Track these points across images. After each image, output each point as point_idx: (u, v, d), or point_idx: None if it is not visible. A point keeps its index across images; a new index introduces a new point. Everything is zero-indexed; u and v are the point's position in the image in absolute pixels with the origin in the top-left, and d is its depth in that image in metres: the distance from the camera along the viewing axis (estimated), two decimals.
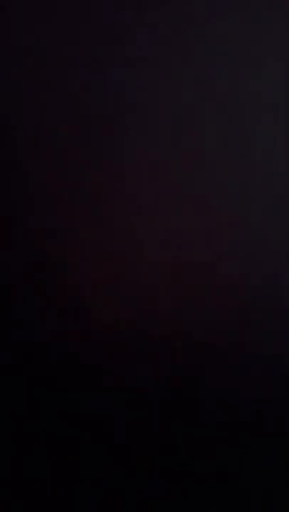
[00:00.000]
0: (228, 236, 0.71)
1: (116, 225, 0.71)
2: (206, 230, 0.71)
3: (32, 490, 0.71)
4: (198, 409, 0.70)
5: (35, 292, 0.71)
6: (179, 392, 0.70)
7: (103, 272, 0.71)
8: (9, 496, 0.71)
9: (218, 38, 0.72)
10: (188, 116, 0.72)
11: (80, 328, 0.71)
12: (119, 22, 0.72)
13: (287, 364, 0.70)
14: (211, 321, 0.71)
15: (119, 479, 0.71)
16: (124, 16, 0.72)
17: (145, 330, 0.71)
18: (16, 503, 0.71)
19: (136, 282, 0.71)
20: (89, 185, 0.72)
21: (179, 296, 0.71)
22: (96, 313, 0.71)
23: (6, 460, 0.71)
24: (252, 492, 0.70)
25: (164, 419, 0.70)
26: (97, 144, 0.72)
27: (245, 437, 0.70)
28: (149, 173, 0.71)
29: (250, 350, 0.70)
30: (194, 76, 0.72)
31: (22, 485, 0.71)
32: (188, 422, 0.70)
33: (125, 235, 0.71)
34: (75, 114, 0.72)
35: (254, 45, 0.71)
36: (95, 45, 0.72)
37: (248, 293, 0.71)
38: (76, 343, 0.71)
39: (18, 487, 0.71)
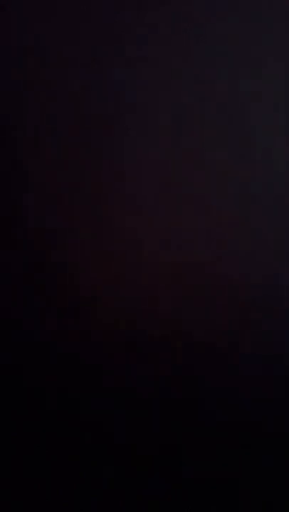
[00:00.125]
0: (228, 236, 0.71)
1: (116, 225, 0.71)
2: (206, 230, 0.71)
3: (32, 490, 0.71)
4: (198, 409, 0.70)
5: (35, 292, 0.71)
6: (179, 392, 0.70)
7: (103, 271, 0.71)
8: (9, 495, 0.71)
9: (218, 38, 0.72)
10: (188, 116, 0.72)
11: (80, 328, 0.71)
12: (119, 22, 0.72)
13: (287, 364, 0.70)
14: (211, 321, 0.71)
15: (119, 479, 0.71)
16: (124, 16, 0.72)
17: (145, 330, 0.71)
18: (16, 503, 0.71)
19: (136, 282, 0.71)
20: (89, 185, 0.72)
21: (179, 296, 0.71)
22: (96, 313, 0.71)
23: (6, 460, 0.71)
24: (252, 492, 0.70)
25: (164, 419, 0.70)
26: (97, 143, 0.72)
27: (245, 437, 0.70)
28: (149, 173, 0.71)
29: (250, 350, 0.70)
30: (194, 76, 0.72)
31: (22, 485, 0.71)
32: (188, 422, 0.70)
33: (125, 235, 0.71)
34: (75, 114, 0.72)
35: (254, 45, 0.71)
36: (95, 45, 0.72)
37: (248, 293, 0.71)
38: (76, 343, 0.71)
39: (18, 487, 0.71)
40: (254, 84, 0.71)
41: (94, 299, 0.71)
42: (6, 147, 0.72)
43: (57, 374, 0.71)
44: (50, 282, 0.71)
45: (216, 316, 0.71)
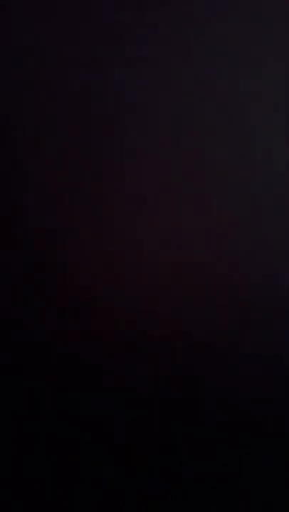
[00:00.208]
0: (228, 236, 0.71)
1: (116, 225, 0.71)
2: (206, 230, 0.71)
3: (32, 490, 0.71)
4: (198, 409, 0.70)
5: (35, 292, 0.71)
6: (179, 392, 0.70)
7: (103, 271, 0.71)
8: (9, 495, 0.71)
9: (218, 38, 0.72)
10: (188, 116, 0.72)
11: (80, 328, 0.71)
12: (119, 22, 0.72)
13: (287, 364, 0.70)
14: (211, 321, 0.71)
15: (119, 479, 0.71)
16: (124, 16, 0.72)
17: (145, 330, 0.71)
18: (16, 503, 0.71)
19: (136, 282, 0.71)
20: (89, 185, 0.72)
21: (179, 296, 0.71)
22: (96, 313, 0.71)
23: (6, 460, 0.71)
24: (252, 492, 0.70)
25: (164, 419, 0.70)
26: (97, 143, 0.72)
27: (245, 437, 0.70)
28: (149, 173, 0.71)
29: (250, 350, 0.70)
30: (194, 76, 0.72)
31: (22, 485, 0.71)
32: (188, 422, 0.70)
33: (125, 235, 0.71)
34: (75, 114, 0.72)
35: (254, 45, 0.71)
36: (95, 45, 0.72)
37: (248, 293, 0.71)
38: (76, 343, 0.71)
39: (18, 487, 0.71)
40: (254, 84, 0.71)
41: (94, 299, 0.71)
42: (6, 147, 0.72)
43: (57, 374, 0.71)
44: (50, 282, 0.71)
45: (216, 316, 0.71)
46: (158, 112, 0.72)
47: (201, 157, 0.71)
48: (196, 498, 0.70)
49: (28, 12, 0.73)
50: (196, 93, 0.72)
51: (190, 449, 0.70)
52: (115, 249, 0.71)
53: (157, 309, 0.71)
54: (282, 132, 0.71)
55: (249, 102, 0.71)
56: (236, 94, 0.71)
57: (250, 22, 0.72)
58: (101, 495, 0.71)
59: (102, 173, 0.72)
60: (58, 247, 0.71)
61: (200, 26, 0.72)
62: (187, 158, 0.71)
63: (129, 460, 0.71)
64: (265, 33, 0.71)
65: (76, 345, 0.71)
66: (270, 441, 0.70)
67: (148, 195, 0.71)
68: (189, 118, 0.71)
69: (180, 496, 0.71)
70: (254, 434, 0.70)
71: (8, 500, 0.71)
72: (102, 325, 0.71)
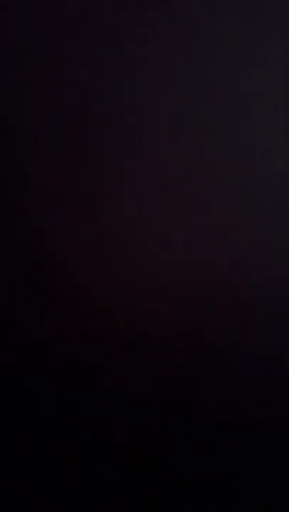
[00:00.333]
0: (228, 236, 0.71)
1: (116, 225, 0.71)
2: (206, 230, 0.71)
3: (32, 490, 0.71)
4: (198, 409, 0.70)
5: (35, 292, 0.71)
6: (179, 392, 0.70)
7: (103, 272, 0.71)
8: (9, 495, 0.71)
9: (218, 38, 0.72)
10: (188, 116, 0.72)
11: (80, 328, 0.71)
12: (119, 22, 0.72)
13: (287, 364, 0.70)
14: (211, 321, 0.71)
15: (119, 479, 0.71)
16: (124, 16, 0.72)
17: (145, 330, 0.71)
18: (16, 503, 0.71)
19: (136, 282, 0.71)
20: (89, 185, 0.72)
21: (179, 296, 0.71)
22: (96, 313, 0.71)
23: (6, 460, 0.71)
24: (252, 492, 0.70)
25: (164, 419, 0.70)
26: (97, 143, 0.72)
27: (245, 437, 0.70)
28: (149, 173, 0.71)
29: (250, 350, 0.70)
30: (194, 76, 0.72)
31: (22, 485, 0.71)
32: (188, 422, 0.70)
33: (125, 235, 0.71)
34: (75, 114, 0.72)
35: (254, 45, 0.71)
36: (95, 45, 0.72)
37: (248, 293, 0.71)
38: (76, 343, 0.71)
39: (18, 487, 0.71)
40: (254, 84, 0.71)
41: (94, 299, 0.71)
42: (6, 147, 0.72)
43: (57, 374, 0.71)
44: (50, 282, 0.71)
45: (216, 316, 0.71)
46: (158, 111, 0.72)
47: (201, 157, 0.71)
48: (196, 498, 0.70)
49: (28, 12, 0.73)
50: (196, 93, 0.72)
51: (190, 449, 0.70)
52: (115, 249, 0.71)
53: (157, 309, 0.71)
54: (282, 132, 0.71)
55: (249, 102, 0.71)
56: (236, 94, 0.71)
57: (250, 22, 0.72)
58: (101, 495, 0.71)
59: (102, 173, 0.72)
60: (58, 247, 0.71)
61: (200, 26, 0.72)
62: (187, 158, 0.71)
63: (129, 460, 0.71)
64: (265, 33, 0.71)
65: (76, 345, 0.71)
66: (270, 441, 0.70)
67: (148, 195, 0.71)
68: (189, 118, 0.71)
69: (180, 496, 0.71)
70: (254, 434, 0.70)
71: (8, 500, 0.71)
72: (102, 325, 0.71)
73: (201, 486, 0.70)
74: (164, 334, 0.71)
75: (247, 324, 0.71)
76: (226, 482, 0.70)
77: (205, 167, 0.71)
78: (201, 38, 0.72)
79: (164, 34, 0.72)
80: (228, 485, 0.70)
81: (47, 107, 0.72)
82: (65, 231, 0.71)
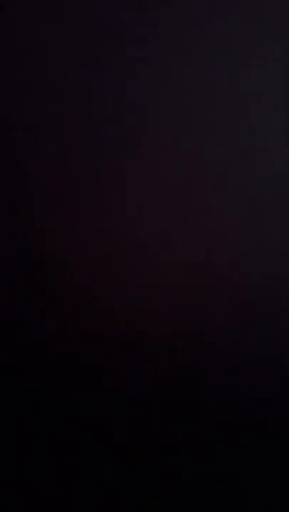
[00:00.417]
0: (228, 236, 0.71)
1: (116, 225, 0.71)
2: (206, 230, 0.71)
3: (32, 490, 0.71)
4: (198, 409, 0.70)
5: (35, 292, 0.71)
6: (179, 392, 0.70)
7: (103, 272, 0.71)
8: (9, 495, 0.71)
9: (218, 38, 0.72)
10: (188, 116, 0.72)
11: (80, 328, 0.71)
12: (119, 22, 0.72)
13: (287, 364, 0.70)
14: (211, 321, 0.71)
15: (119, 479, 0.71)
16: (124, 16, 0.72)
17: (145, 330, 0.71)
18: (16, 503, 0.71)
19: (136, 282, 0.71)
20: (89, 185, 0.72)
21: (179, 296, 0.71)
22: (96, 313, 0.71)
23: (6, 460, 0.71)
24: (252, 492, 0.70)
25: (164, 419, 0.70)
26: (97, 143, 0.72)
27: (245, 437, 0.70)
28: (149, 173, 0.71)
29: (250, 350, 0.70)
30: (194, 76, 0.72)
31: (22, 485, 0.71)
32: (188, 422, 0.70)
33: (125, 235, 0.71)
34: (75, 114, 0.72)
35: (254, 45, 0.71)
36: (95, 45, 0.72)
37: (248, 293, 0.71)
38: (76, 343, 0.71)
39: (18, 487, 0.71)
40: (254, 84, 0.71)
41: (94, 299, 0.71)
42: (6, 147, 0.72)
43: (57, 374, 0.71)
44: (50, 282, 0.71)
45: (216, 316, 0.71)
46: (158, 112, 0.72)
47: (201, 157, 0.71)
48: (196, 498, 0.70)
49: (28, 12, 0.73)
50: (196, 93, 0.72)
51: (190, 449, 0.70)
52: (115, 249, 0.71)
53: (157, 309, 0.71)
54: (282, 132, 0.71)
55: (249, 102, 0.71)
56: (236, 94, 0.71)
57: (250, 22, 0.72)
58: (101, 495, 0.71)
59: (102, 173, 0.72)
60: (58, 247, 0.71)
61: (200, 26, 0.72)
62: (187, 158, 0.71)
63: (129, 460, 0.71)
64: (265, 33, 0.71)
65: (76, 345, 0.71)
66: (270, 441, 0.70)
67: (148, 195, 0.71)
68: (189, 118, 0.71)
69: (180, 496, 0.71)
70: (254, 434, 0.70)
71: (8, 500, 0.71)
72: (102, 325, 0.71)
73: (201, 486, 0.70)
74: (164, 334, 0.71)
75: (247, 324, 0.71)
76: (226, 482, 0.70)
77: (205, 167, 0.71)
78: (201, 38, 0.72)
79: (164, 34, 0.72)
80: (228, 485, 0.70)
81: (47, 107, 0.72)
82: (65, 231, 0.71)
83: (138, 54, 0.72)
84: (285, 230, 0.71)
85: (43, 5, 0.73)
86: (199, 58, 0.72)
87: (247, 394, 0.70)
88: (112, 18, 0.72)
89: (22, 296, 0.71)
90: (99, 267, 0.71)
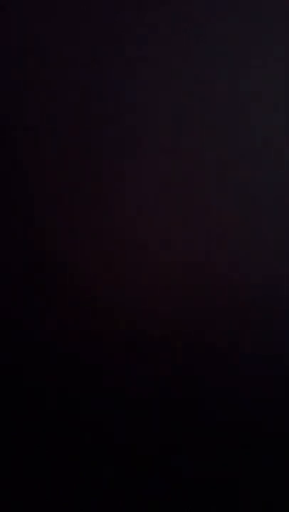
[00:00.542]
0: (228, 236, 0.71)
1: (116, 225, 0.71)
2: (206, 230, 0.71)
3: (32, 490, 0.71)
4: (198, 409, 0.70)
5: (35, 292, 0.71)
6: (179, 392, 0.70)
7: (103, 272, 0.71)
8: (9, 495, 0.71)
9: (218, 38, 0.72)
10: (188, 116, 0.72)
11: (80, 328, 0.71)
12: (119, 22, 0.72)
13: (287, 364, 0.70)
14: (211, 321, 0.71)
15: (119, 479, 0.71)
16: (124, 16, 0.72)
17: (145, 330, 0.71)
18: (16, 503, 0.71)
19: (136, 282, 0.71)
20: (89, 185, 0.72)
21: (179, 296, 0.71)
22: (96, 313, 0.71)
23: (6, 460, 0.71)
24: (252, 492, 0.70)
25: (164, 419, 0.70)
26: (97, 143, 0.72)
27: (245, 437, 0.70)
28: (149, 173, 0.71)
29: (250, 350, 0.70)
30: (194, 76, 0.72)
31: (22, 485, 0.71)
32: (188, 422, 0.70)
33: (125, 235, 0.71)
34: (75, 114, 0.72)
35: (254, 45, 0.71)
36: (95, 45, 0.72)
37: (248, 293, 0.71)
38: (76, 343, 0.71)
39: (18, 487, 0.71)
40: (254, 84, 0.71)
41: (94, 299, 0.71)
42: (6, 147, 0.72)
43: (57, 374, 0.71)
44: (50, 282, 0.71)
45: (216, 316, 0.71)
46: (158, 112, 0.72)
47: (201, 157, 0.71)
48: (196, 498, 0.70)
49: (28, 12, 0.73)
50: (196, 93, 0.72)
51: (190, 449, 0.70)
52: (115, 249, 0.71)
53: (157, 309, 0.71)
54: (282, 132, 0.71)
55: (249, 102, 0.71)
56: (236, 94, 0.71)
57: (250, 22, 0.72)
58: (101, 495, 0.71)
59: (102, 173, 0.72)
60: (58, 247, 0.71)
61: (200, 26, 0.72)
62: (187, 158, 0.71)
63: (129, 460, 0.71)
64: (265, 33, 0.71)
65: (76, 345, 0.71)
66: (270, 441, 0.70)
67: (148, 195, 0.71)
68: (189, 118, 0.71)
69: (180, 496, 0.71)
70: (254, 434, 0.70)
71: (8, 500, 0.71)
72: (102, 325, 0.71)
73: (201, 486, 0.70)
74: (164, 334, 0.71)
75: (247, 324, 0.71)
76: (226, 482, 0.70)
77: (205, 167, 0.71)
78: (201, 38, 0.72)
79: (164, 34, 0.72)
80: (228, 485, 0.70)
81: (47, 107, 0.72)
82: (65, 231, 0.71)
83: (138, 54, 0.72)
84: (285, 230, 0.71)
85: (43, 5, 0.73)
86: (199, 58, 0.72)
87: (247, 394, 0.70)
88: (112, 18, 0.72)
89: (22, 296, 0.71)
90: (99, 267, 0.71)
